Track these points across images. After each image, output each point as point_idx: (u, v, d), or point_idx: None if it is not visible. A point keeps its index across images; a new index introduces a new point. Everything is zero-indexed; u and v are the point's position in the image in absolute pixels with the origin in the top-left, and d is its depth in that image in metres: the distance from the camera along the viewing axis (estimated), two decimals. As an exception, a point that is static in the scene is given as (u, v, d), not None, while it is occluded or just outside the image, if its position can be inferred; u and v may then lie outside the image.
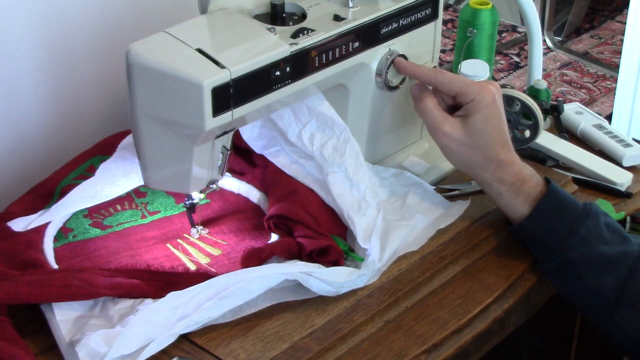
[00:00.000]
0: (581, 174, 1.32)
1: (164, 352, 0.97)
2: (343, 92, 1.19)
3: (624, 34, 2.69)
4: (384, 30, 1.16)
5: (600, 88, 3.14)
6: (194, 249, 1.15)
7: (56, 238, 1.15)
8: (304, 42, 1.06)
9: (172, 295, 0.99)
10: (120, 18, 1.34)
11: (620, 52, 2.78)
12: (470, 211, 1.20)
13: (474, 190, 1.24)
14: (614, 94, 2.78)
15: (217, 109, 0.99)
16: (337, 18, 1.12)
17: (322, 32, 1.08)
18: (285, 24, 1.10)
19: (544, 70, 2.91)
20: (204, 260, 1.13)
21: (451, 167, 1.28)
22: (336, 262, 1.09)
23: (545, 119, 1.38)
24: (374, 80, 1.19)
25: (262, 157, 1.25)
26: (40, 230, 1.14)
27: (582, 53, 3.36)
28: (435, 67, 1.26)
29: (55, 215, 1.15)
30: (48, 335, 1.00)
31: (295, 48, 1.04)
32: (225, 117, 1.00)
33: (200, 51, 1.00)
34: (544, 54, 2.91)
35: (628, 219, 1.34)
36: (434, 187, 1.23)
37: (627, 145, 1.36)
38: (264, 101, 1.04)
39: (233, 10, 1.08)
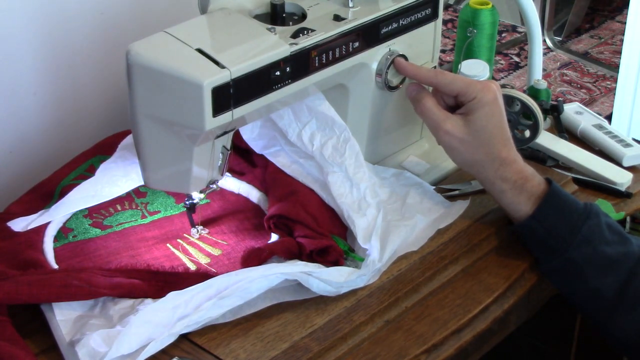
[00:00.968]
0: (581, 174, 1.32)
1: (164, 352, 0.97)
2: (343, 92, 1.19)
3: (624, 34, 2.69)
4: (384, 30, 1.16)
5: (600, 88, 3.14)
6: (194, 249, 1.15)
7: (56, 238, 1.15)
8: (304, 42, 1.06)
9: (172, 295, 0.99)
10: (120, 18, 1.34)
11: (620, 52, 2.78)
12: (470, 211, 1.20)
13: (474, 190, 1.24)
14: (614, 94, 2.78)
15: (217, 109, 0.99)
16: (337, 18, 1.12)
17: (322, 32, 1.08)
18: (285, 24, 1.10)
19: (544, 70, 2.91)
20: (204, 260, 1.13)
21: (451, 167, 1.28)
22: (336, 262, 1.09)
23: (545, 119, 1.38)
24: (374, 80, 1.19)
25: (262, 157, 1.25)
26: (40, 230, 1.14)
27: (582, 53, 3.36)
28: (435, 67, 1.26)
29: (56, 216, 1.15)
30: (48, 335, 1.00)
31: (295, 48, 1.04)
32: (225, 117, 1.00)
33: (200, 51, 1.00)
34: (544, 54, 2.91)
35: (628, 219, 1.34)
36: (434, 187, 1.23)
37: (627, 145, 1.36)
38: (264, 101, 1.04)
39: (233, 10, 1.08)
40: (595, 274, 1.08)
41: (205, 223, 1.19)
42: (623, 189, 1.30)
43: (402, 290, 1.08)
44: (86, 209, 1.19)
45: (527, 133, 1.30)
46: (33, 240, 1.12)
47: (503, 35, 3.41)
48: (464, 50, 1.45)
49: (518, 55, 3.32)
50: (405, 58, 1.19)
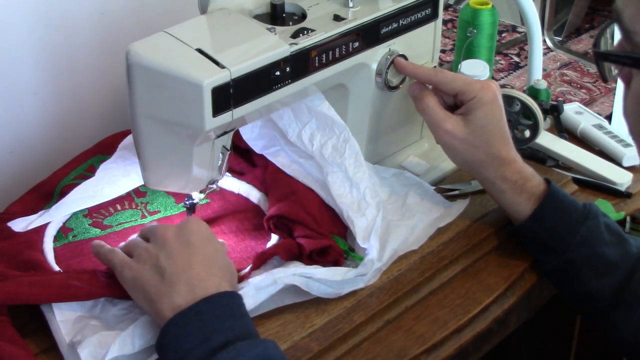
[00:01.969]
0: (581, 174, 1.32)
1: (164, 352, 0.97)
2: (343, 92, 1.19)
3: (624, 34, 2.68)
4: (384, 30, 1.16)
5: (600, 88, 3.14)
6: (194, 249, 1.15)
7: (56, 238, 1.15)
8: (304, 42, 1.06)
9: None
10: (120, 18, 1.34)
11: (620, 52, 2.78)
12: (470, 211, 1.20)
13: (474, 190, 1.24)
14: (614, 94, 2.78)
15: (217, 109, 0.99)
16: (337, 18, 1.12)
17: (322, 32, 1.08)
18: (285, 24, 1.10)
19: (544, 70, 2.91)
20: (204, 260, 1.13)
21: (451, 167, 1.28)
22: (336, 262, 1.09)
23: (545, 119, 1.38)
24: (374, 80, 1.19)
25: (262, 157, 1.25)
26: (40, 230, 1.14)
27: (582, 53, 3.35)
28: (435, 67, 1.26)
29: (56, 216, 1.15)
30: (48, 335, 1.00)
31: (295, 48, 1.04)
32: (225, 117, 1.00)
33: (200, 51, 1.00)
34: (544, 54, 2.91)
35: (628, 219, 1.34)
36: (434, 187, 1.23)
37: (627, 145, 1.36)
38: (264, 101, 1.04)
39: (233, 10, 1.08)
40: (593, 275, 1.08)
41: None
42: (623, 189, 1.30)
43: (402, 290, 1.08)
44: (86, 208, 1.19)
45: (527, 133, 1.30)
46: (33, 240, 1.12)
47: (503, 35, 3.41)
48: (464, 50, 1.46)
49: (518, 55, 3.31)
50: (405, 58, 1.19)
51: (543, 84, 1.41)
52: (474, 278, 1.13)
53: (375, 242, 1.09)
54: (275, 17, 1.10)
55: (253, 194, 1.24)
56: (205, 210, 1.21)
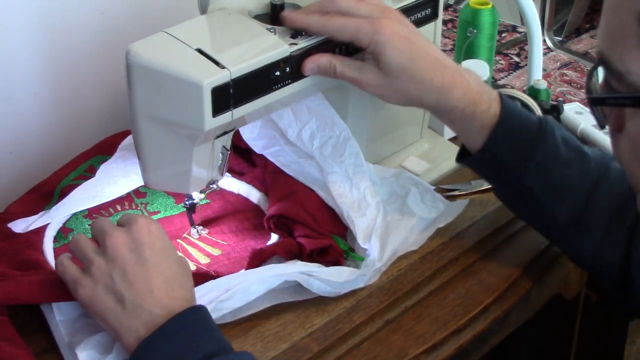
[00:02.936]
0: (581, 174, 1.32)
1: (164, 352, 0.97)
2: (343, 92, 1.19)
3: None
4: (384, 30, 1.16)
5: (600, 88, 3.14)
6: (194, 249, 1.15)
7: (56, 238, 1.15)
8: (304, 42, 1.06)
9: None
10: (120, 18, 1.34)
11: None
12: (470, 211, 1.20)
13: (474, 190, 1.24)
14: (614, 94, 2.78)
15: (217, 109, 0.99)
16: (337, 18, 1.12)
17: (322, 32, 1.08)
18: (285, 24, 1.10)
19: (544, 70, 2.91)
20: (204, 260, 1.13)
21: (451, 167, 1.28)
22: (336, 262, 1.09)
23: (545, 119, 1.38)
24: (374, 80, 1.19)
25: (262, 157, 1.25)
26: (40, 230, 1.14)
27: (582, 53, 3.35)
28: None
29: (56, 217, 1.15)
30: (48, 335, 1.00)
31: (295, 48, 1.04)
32: (225, 117, 1.00)
33: (200, 51, 1.00)
34: (544, 54, 2.91)
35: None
36: (434, 187, 1.23)
37: (627, 145, 1.36)
38: (264, 101, 1.04)
39: (233, 11, 1.08)
40: (551, 201, 1.04)
41: (205, 223, 1.19)
42: (623, 189, 1.29)
43: (402, 290, 1.08)
44: (86, 209, 1.19)
45: (527, 133, 1.30)
46: (33, 241, 1.12)
47: (503, 35, 3.41)
48: (464, 50, 1.45)
49: (518, 55, 3.31)
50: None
51: (543, 84, 1.41)
52: (474, 278, 1.13)
53: (376, 242, 1.10)
54: (275, 17, 1.10)
55: (253, 194, 1.24)
56: (205, 210, 1.21)
